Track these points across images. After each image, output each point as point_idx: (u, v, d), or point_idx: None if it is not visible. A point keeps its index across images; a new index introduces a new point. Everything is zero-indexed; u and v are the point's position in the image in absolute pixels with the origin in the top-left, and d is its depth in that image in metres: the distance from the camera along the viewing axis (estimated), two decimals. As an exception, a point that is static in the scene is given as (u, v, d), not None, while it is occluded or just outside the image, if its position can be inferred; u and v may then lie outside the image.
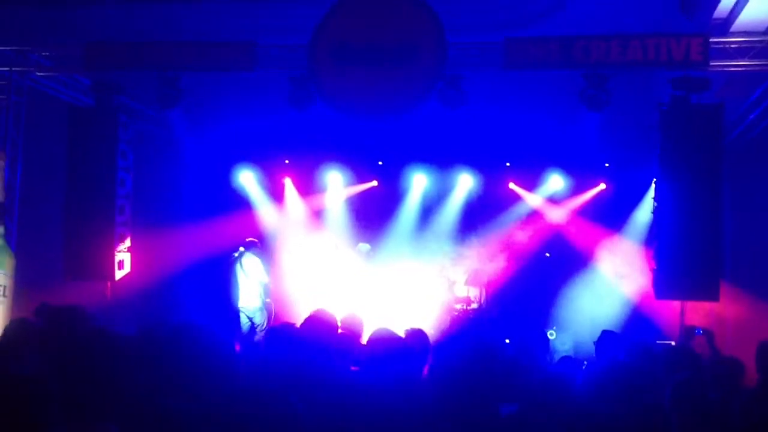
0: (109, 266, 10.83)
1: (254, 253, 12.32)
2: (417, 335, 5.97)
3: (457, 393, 3.53)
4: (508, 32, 9.75)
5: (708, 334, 6.90)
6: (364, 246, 13.29)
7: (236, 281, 12.19)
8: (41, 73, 10.74)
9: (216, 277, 12.84)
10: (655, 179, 10.20)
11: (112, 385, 3.09)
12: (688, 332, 7.02)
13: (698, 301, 9.99)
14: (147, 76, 10.44)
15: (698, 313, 10.46)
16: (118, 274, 10.96)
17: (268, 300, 12.33)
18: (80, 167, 10.83)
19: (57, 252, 10.85)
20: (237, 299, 12.16)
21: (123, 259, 11.07)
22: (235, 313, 12.12)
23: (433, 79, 9.59)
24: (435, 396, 3.88)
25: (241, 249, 12.23)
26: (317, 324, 5.47)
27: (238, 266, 12.20)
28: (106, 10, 10.05)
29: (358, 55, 9.64)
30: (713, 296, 9.55)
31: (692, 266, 9.50)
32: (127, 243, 11.15)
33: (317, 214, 14.42)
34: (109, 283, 11.09)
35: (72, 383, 3.05)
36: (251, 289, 12.13)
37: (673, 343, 10.12)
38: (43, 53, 10.60)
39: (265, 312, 12.19)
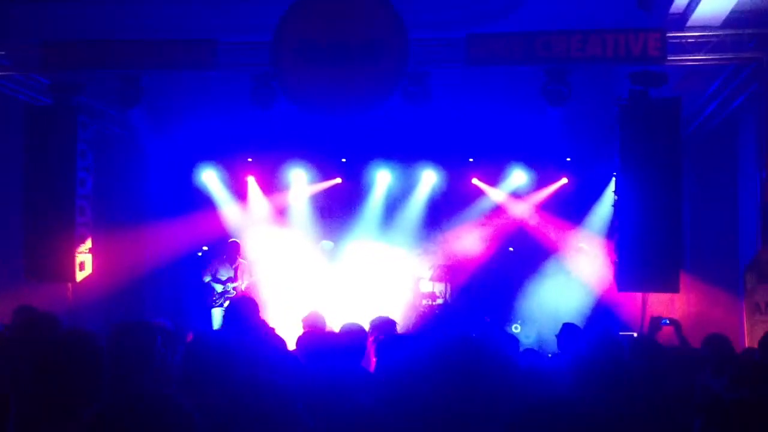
0: (69, 268, 10.68)
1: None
2: (384, 325, 6.01)
3: (429, 387, 3.55)
4: (470, 28, 9.81)
5: (675, 324, 7.00)
6: (328, 243, 13.29)
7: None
8: (-2, 73, 10.58)
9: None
10: (615, 173, 10.34)
11: (88, 387, 3.06)
12: (654, 323, 7.11)
13: (659, 292, 10.15)
14: (107, 75, 10.33)
15: (662, 304, 10.61)
16: (80, 276, 10.82)
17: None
18: (39, 168, 10.66)
19: (17, 253, 10.69)
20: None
21: (84, 260, 10.92)
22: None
23: (396, 76, 9.61)
24: (402, 391, 3.90)
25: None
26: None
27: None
28: (64, 8, 9.91)
29: (321, 52, 9.63)
30: (673, 287, 9.71)
31: (653, 258, 9.66)
32: (88, 244, 11.01)
33: (281, 212, 14.37)
34: (70, 285, 10.95)
35: (48, 386, 3.02)
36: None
37: (635, 334, 10.27)
38: (0, 52, 10.43)
39: None
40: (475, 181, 14.08)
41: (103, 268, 11.48)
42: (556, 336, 7.30)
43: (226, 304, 12.03)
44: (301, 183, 14.39)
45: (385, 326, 6.16)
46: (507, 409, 3.72)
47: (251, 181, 14.34)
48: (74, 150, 10.70)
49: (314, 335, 6.16)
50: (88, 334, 3.28)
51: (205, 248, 12.37)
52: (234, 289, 12.16)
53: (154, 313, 11.97)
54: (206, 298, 12.29)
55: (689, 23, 9.36)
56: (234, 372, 3.62)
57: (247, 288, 12.34)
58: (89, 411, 2.51)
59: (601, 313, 12.18)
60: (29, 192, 10.70)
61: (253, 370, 3.77)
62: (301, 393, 3.58)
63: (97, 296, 11.79)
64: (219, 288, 12.17)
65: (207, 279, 12.27)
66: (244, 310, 5.51)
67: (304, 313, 7.17)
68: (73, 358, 3.08)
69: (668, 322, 7.13)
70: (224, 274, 12.25)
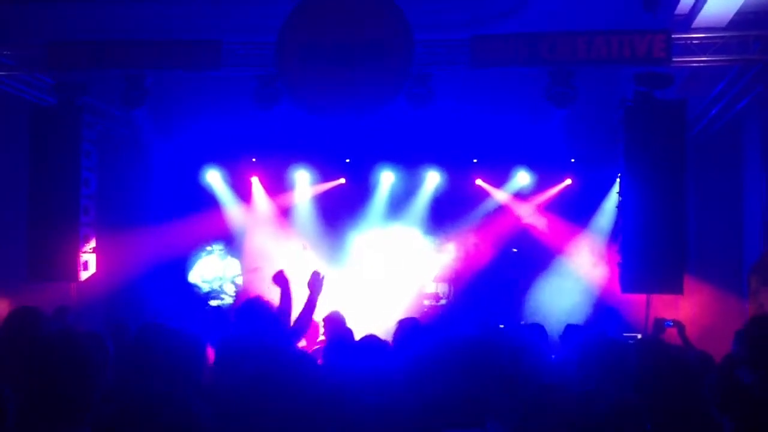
0: (73, 267, 10.71)
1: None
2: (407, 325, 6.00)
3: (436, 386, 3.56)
4: (475, 30, 9.81)
5: (679, 326, 6.98)
6: (302, 245, 13.05)
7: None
8: (2, 72, 10.57)
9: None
10: (619, 174, 10.33)
11: (82, 388, 3.05)
12: (658, 325, 7.10)
13: (663, 294, 10.13)
14: (112, 75, 10.34)
15: (666, 305, 10.58)
16: (83, 275, 10.86)
17: None
18: (43, 167, 10.71)
19: (21, 253, 10.71)
20: None
21: (88, 260, 10.96)
22: None
23: (400, 78, 9.61)
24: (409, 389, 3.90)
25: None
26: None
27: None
28: (69, 8, 9.92)
29: (325, 53, 9.64)
30: (677, 289, 9.70)
31: (657, 260, 9.65)
32: (92, 244, 11.05)
33: (285, 213, 14.37)
34: (73, 284, 10.98)
35: (38, 389, 3.01)
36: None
37: (639, 336, 10.25)
38: (5, 52, 10.44)
39: None
40: (478, 182, 14.06)
41: (107, 267, 11.51)
42: (559, 337, 7.28)
43: (219, 302, 12.09)
44: (304, 184, 14.39)
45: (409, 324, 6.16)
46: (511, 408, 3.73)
47: (255, 182, 14.34)
48: (79, 150, 10.74)
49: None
50: (75, 334, 3.27)
51: (208, 248, 12.38)
52: (221, 287, 12.18)
53: (157, 313, 11.97)
54: (202, 298, 12.33)
55: (694, 24, 9.36)
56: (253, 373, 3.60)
57: (240, 286, 12.36)
58: (106, 409, 2.52)
59: (605, 314, 12.15)
60: (33, 192, 10.73)
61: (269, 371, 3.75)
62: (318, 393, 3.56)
63: (101, 296, 11.82)
64: (205, 287, 12.19)
65: (193, 279, 12.28)
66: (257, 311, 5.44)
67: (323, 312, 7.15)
68: (61, 359, 3.06)
69: (672, 323, 7.11)
70: (212, 272, 12.28)
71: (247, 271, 12.56)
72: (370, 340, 4.26)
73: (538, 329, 6.85)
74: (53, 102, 10.96)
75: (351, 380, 3.85)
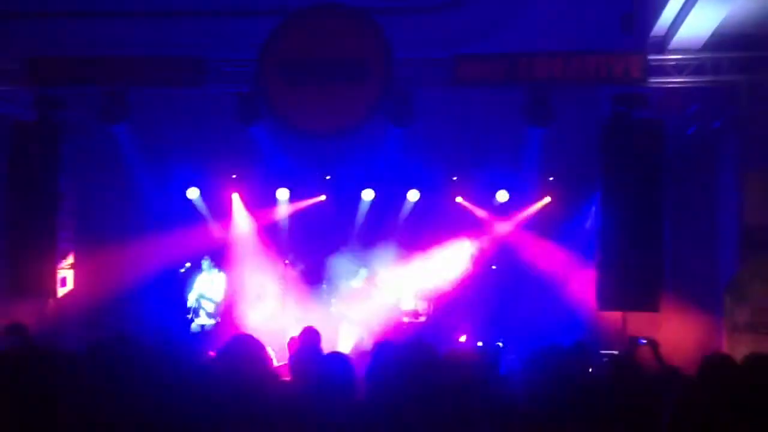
0: (51, 283, 10.64)
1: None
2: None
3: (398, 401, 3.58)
4: (455, 49, 9.90)
5: (652, 343, 7.01)
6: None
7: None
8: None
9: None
10: (598, 193, 10.41)
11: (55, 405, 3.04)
12: (631, 342, 7.14)
13: (639, 311, 10.20)
14: (93, 91, 10.32)
15: (645, 323, 10.65)
16: (61, 291, 10.79)
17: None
18: (22, 183, 10.65)
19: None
20: None
21: (66, 275, 10.90)
22: None
23: (381, 96, 9.66)
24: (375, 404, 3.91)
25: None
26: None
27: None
28: (51, 23, 9.92)
29: (306, 71, 9.68)
30: (654, 307, 9.78)
31: (633, 277, 9.72)
32: (70, 260, 10.99)
33: (265, 229, 14.33)
34: (51, 301, 10.91)
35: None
36: None
37: (617, 352, 10.30)
38: (-16, 67, 10.42)
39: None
40: (458, 199, 14.09)
41: (86, 283, 11.44)
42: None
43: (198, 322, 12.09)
44: (285, 200, 14.35)
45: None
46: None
47: (235, 198, 14.29)
48: (57, 165, 10.69)
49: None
50: (50, 350, 3.27)
51: (187, 264, 12.33)
52: (200, 304, 12.16)
53: (137, 330, 11.90)
54: (189, 315, 12.29)
55: (671, 46, 9.51)
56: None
57: (224, 302, 12.34)
58: None
59: (584, 331, 12.19)
60: (11, 207, 10.67)
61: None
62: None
63: (81, 312, 11.75)
64: (194, 303, 12.18)
65: (191, 296, 12.26)
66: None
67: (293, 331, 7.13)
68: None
69: (645, 341, 7.14)
70: (199, 289, 12.26)
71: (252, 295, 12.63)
72: (336, 358, 4.23)
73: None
74: (33, 117, 10.89)
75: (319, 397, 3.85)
